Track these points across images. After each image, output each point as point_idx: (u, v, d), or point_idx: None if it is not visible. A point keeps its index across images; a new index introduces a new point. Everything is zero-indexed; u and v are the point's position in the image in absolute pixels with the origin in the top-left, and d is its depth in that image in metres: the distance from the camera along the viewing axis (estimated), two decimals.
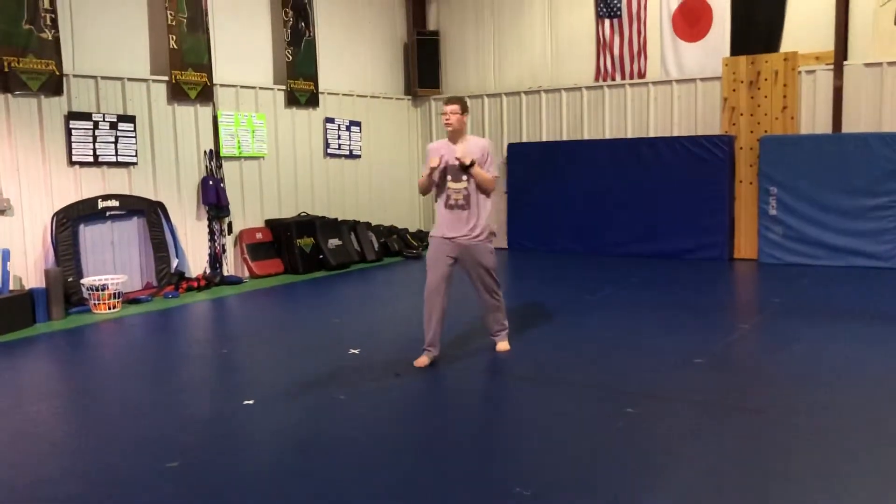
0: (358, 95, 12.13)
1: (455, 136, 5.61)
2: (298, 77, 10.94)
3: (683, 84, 10.90)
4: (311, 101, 11.16)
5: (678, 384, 5.09)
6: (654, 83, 11.11)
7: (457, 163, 5.49)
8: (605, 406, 4.68)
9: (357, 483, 3.70)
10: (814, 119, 10.00)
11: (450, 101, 5.60)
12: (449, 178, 5.57)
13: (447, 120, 5.55)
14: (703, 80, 10.73)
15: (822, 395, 4.78)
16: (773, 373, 5.36)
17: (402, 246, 12.06)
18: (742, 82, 10.30)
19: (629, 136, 11.30)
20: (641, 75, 11.23)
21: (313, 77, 11.16)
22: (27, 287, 7.86)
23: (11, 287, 7.63)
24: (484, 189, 5.54)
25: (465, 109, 5.59)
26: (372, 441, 4.27)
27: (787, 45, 10.12)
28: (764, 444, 4.06)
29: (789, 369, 5.38)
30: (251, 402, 4.93)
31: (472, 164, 5.45)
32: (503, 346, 5.96)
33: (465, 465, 3.88)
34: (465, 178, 5.52)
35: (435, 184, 5.64)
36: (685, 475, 3.71)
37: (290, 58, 10.79)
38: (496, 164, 5.71)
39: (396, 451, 4.13)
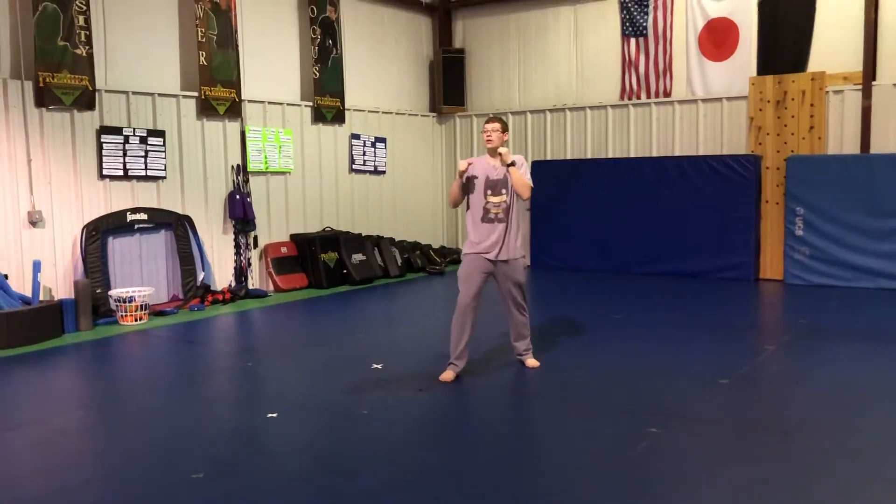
0: (384, 112, 12.23)
1: (495, 153, 5.75)
2: (325, 94, 11.06)
3: (709, 103, 10.88)
4: (338, 117, 11.27)
5: (703, 405, 5.06)
6: (680, 102, 11.09)
7: (498, 177, 5.65)
8: (628, 426, 4.65)
9: (379, 499, 3.71)
10: (841, 139, 9.93)
11: (491, 119, 5.81)
12: (489, 191, 5.68)
13: (488, 137, 5.71)
14: (729, 99, 10.70)
15: (851, 418, 4.72)
16: (799, 394, 5.31)
17: (426, 262, 12.08)
18: (769, 102, 10.26)
19: (654, 154, 11.28)
20: (667, 94, 11.22)
21: (340, 94, 11.27)
22: (57, 298, 7.98)
23: (41, 298, 7.76)
24: (521, 192, 5.63)
25: (505, 128, 5.77)
26: (394, 457, 4.28)
27: (814, 64, 10.07)
28: (791, 466, 4.02)
29: (816, 391, 5.32)
30: (274, 415, 4.96)
31: (513, 163, 5.61)
32: (532, 362, 6.01)
33: (486, 483, 3.87)
34: (504, 191, 5.66)
35: (464, 191, 5.76)
36: (710, 496, 3.67)
37: (318, 75, 10.91)
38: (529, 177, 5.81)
39: (418, 468, 4.13)
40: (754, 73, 10.48)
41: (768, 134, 10.29)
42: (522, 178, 5.66)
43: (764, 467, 4.00)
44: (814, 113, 9.97)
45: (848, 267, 9.52)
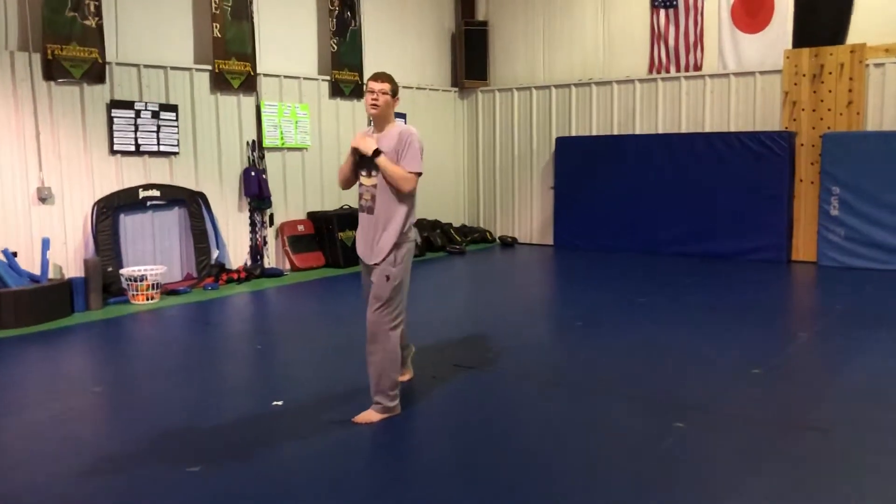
0: (404, 87, 11.87)
1: (380, 122, 4.54)
2: (343, 67, 10.77)
3: (742, 77, 10.44)
4: (356, 92, 10.97)
5: (733, 397, 4.75)
6: (711, 76, 10.66)
7: (369, 153, 4.42)
8: (652, 420, 4.36)
9: (388, 495, 3.47)
10: (882, 115, 9.46)
11: (378, 77, 4.46)
12: (362, 172, 4.52)
13: (374, 100, 4.43)
14: (762, 73, 10.25)
15: (892, 412, 4.41)
16: (837, 386, 4.99)
17: (446, 241, 11.83)
18: (804, 76, 9.81)
19: (684, 131, 10.88)
20: (697, 68, 10.79)
21: (358, 68, 10.97)
22: (66, 276, 7.82)
23: (51, 276, 7.61)
24: (393, 185, 4.38)
25: (396, 91, 4.55)
26: (404, 451, 4.04)
27: (854, 36, 9.59)
28: (830, 464, 3.73)
29: (854, 382, 5.00)
30: (280, 402, 4.74)
31: (378, 153, 4.37)
32: (363, 417, 4.39)
33: (500, 482, 3.62)
34: (374, 172, 4.42)
35: (353, 174, 4.60)
36: (741, 499, 3.39)
37: (335, 48, 10.62)
38: (419, 160, 4.50)
39: (429, 464, 3.89)
40: (790, 45, 10.01)
41: (803, 109, 9.85)
42: (393, 168, 4.34)
43: (802, 467, 3.70)
44: (852, 87, 9.51)
45: (885, 249, 9.12)
